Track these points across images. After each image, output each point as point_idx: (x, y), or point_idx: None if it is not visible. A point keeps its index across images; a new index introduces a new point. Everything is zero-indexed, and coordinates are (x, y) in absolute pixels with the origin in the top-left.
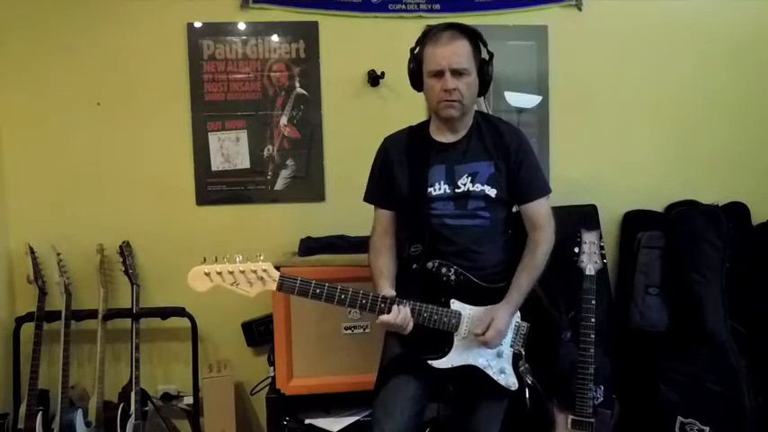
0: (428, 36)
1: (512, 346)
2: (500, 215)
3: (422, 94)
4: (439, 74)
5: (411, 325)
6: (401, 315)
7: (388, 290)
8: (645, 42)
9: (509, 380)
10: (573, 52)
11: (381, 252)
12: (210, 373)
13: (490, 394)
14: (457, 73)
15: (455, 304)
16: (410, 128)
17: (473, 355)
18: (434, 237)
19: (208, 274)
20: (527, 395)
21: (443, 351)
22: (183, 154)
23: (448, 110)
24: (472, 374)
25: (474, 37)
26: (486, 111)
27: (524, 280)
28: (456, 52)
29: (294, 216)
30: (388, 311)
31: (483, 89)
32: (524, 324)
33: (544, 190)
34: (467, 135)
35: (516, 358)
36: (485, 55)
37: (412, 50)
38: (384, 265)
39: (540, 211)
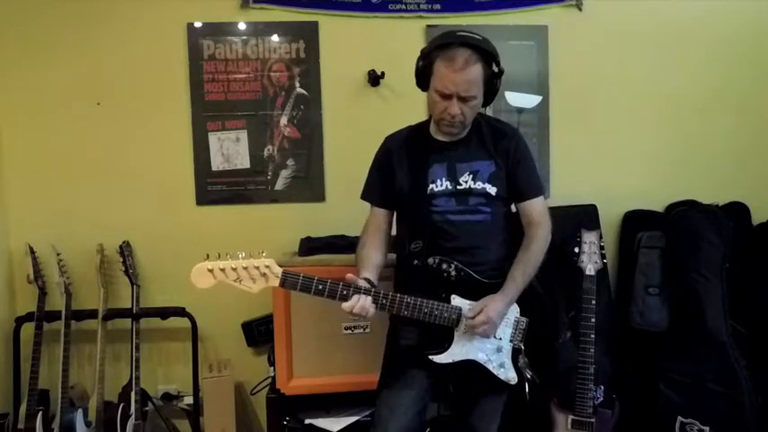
0: (443, 49)
1: (511, 340)
2: (500, 210)
3: (425, 92)
4: (446, 96)
5: (371, 312)
6: (359, 303)
7: (358, 279)
8: (645, 42)
9: (508, 374)
10: (573, 52)
11: (366, 245)
12: (210, 373)
13: (489, 390)
14: (464, 99)
15: (455, 300)
16: (410, 127)
17: (473, 350)
18: (436, 233)
19: (211, 271)
20: (527, 389)
21: (444, 346)
22: (183, 154)
23: (449, 128)
24: (472, 370)
25: (489, 57)
26: (486, 110)
27: (519, 273)
28: (468, 80)
29: (294, 216)
30: (350, 298)
31: (488, 101)
32: (523, 319)
33: (540, 190)
34: (467, 135)
35: (516, 353)
36: (495, 68)
37: (423, 51)
38: (366, 256)
39: (535, 209)
